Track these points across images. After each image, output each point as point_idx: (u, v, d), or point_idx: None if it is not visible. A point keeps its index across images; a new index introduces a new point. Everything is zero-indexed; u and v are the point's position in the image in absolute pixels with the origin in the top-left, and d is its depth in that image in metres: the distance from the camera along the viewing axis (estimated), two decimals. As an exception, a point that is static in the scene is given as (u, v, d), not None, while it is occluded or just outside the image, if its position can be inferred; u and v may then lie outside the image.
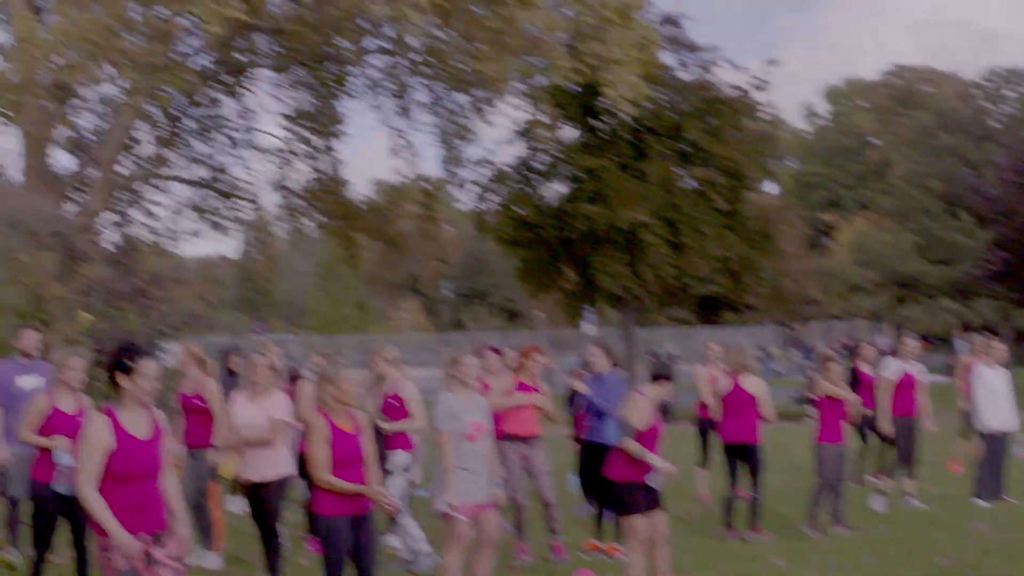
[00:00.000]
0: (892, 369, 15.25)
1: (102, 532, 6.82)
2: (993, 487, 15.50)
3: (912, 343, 15.70)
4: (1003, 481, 15.62)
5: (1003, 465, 15.57)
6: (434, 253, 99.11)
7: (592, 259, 45.78)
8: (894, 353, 15.82)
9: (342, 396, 8.03)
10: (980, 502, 15.38)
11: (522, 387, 11.80)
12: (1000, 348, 15.96)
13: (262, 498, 10.21)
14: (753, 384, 13.16)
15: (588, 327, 67.80)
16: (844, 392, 13.40)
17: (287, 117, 34.31)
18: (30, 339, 12.15)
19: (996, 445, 15.43)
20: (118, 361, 6.91)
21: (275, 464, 10.23)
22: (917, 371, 15.30)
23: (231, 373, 13.91)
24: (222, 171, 34.45)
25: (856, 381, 16.77)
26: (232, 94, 33.05)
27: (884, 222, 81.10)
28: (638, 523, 9.50)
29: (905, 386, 15.13)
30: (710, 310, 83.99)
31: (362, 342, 66.45)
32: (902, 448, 15.23)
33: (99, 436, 6.80)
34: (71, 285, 23.19)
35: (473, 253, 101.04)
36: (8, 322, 21.63)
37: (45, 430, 9.74)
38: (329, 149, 35.37)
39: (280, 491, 10.32)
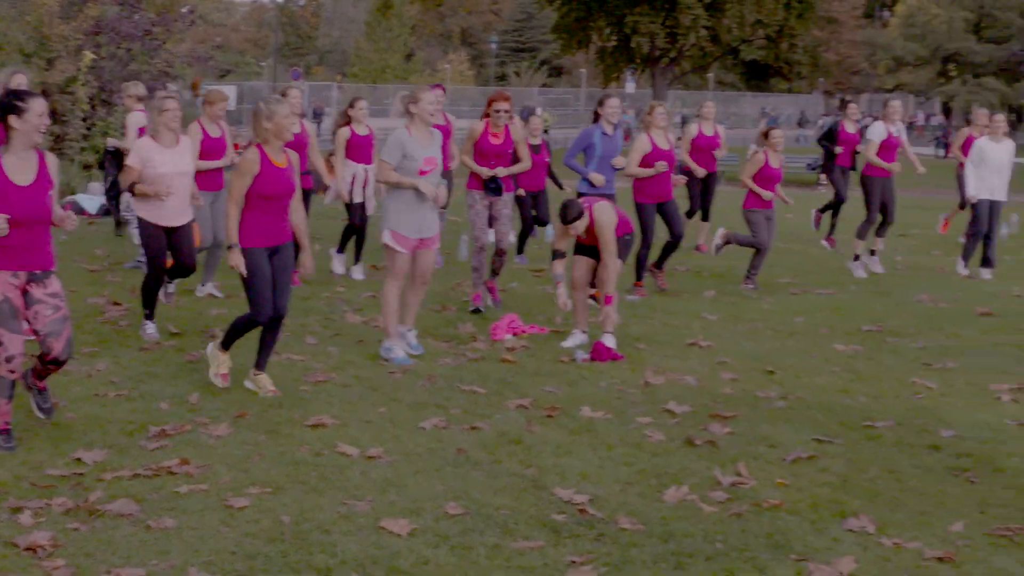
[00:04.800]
0: (876, 131, 15.41)
1: None
2: (982, 259, 15.71)
3: (896, 104, 15.78)
4: (993, 251, 15.82)
5: (993, 236, 15.71)
6: (485, 5, 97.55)
7: (627, 17, 45.25)
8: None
9: (277, 130, 8.22)
10: (962, 269, 15.73)
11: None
12: (1001, 121, 15.95)
13: (181, 240, 10.34)
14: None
15: (629, 86, 67.22)
16: (751, 183, 13.77)
17: None
18: (20, 82, 12.06)
19: (983, 214, 15.50)
20: (7, 103, 6.98)
21: (188, 210, 10.37)
22: (897, 131, 15.47)
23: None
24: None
25: (836, 138, 17.31)
26: None
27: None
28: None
29: (886, 147, 15.28)
30: (758, 77, 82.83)
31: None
32: (869, 209, 15.47)
33: None
34: (76, 23, 23.34)
35: (523, 7, 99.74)
36: (12, 59, 21.91)
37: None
38: None
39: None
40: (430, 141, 9.67)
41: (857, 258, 15.66)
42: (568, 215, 10.15)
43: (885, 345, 11.09)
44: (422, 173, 9.53)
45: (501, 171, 11.55)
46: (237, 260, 8.23)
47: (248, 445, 7.24)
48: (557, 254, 10.49)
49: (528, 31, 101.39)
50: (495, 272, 12.08)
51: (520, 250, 15.67)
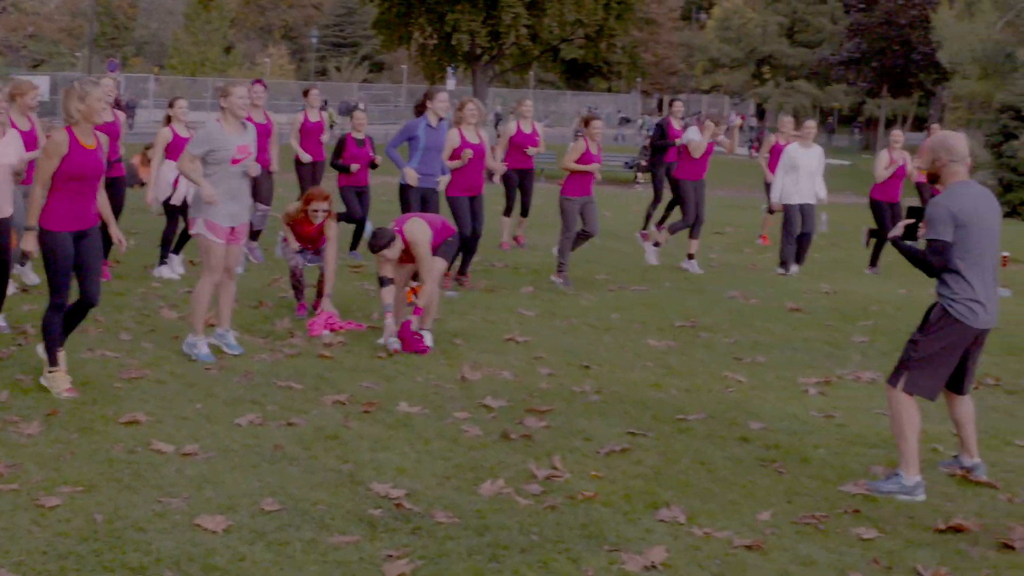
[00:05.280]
0: (694, 132, 15.81)
1: None
2: (795, 256, 16.19)
3: (711, 128, 16.09)
4: (805, 252, 16.33)
5: (808, 237, 16.18)
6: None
7: (448, 15, 45.32)
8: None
9: (88, 113, 8.07)
10: (781, 270, 16.12)
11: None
12: (811, 127, 16.45)
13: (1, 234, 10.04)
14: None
15: (450, 83, 67.39)
16: (574, 165, 13.92)
17: None
18: None
19: (796, 218, 15.93)
20: None
21: (10, 203, 10.10)
22: (713, 141, 15.86)
23: None
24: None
25: (668, 136, 17.79)
26: None
27: (756, 1, 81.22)
28: None
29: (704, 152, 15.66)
30: (578, 76, 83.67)
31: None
32: (686, 210, 15.85)
33: None
34: None
35: (345, 2, 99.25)
36: None
37: None
38: None
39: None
40: (243, 132, 9.61)
41: (657, 244, 16.14)
42: (375, 244, 10.22)
43: (698, 340, 11.35)
44: (235, 162, 9.45)
45: (310, 256, 11.47)
46: (32, 245, 8.06)
47: (60, 443, 7.11)
48: (384, 281, 10.42)
49: (349, 26, 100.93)
50: (319, 294, 11.74)
51: (353, 246, 15.54)
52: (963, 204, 6.77)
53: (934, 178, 7.04)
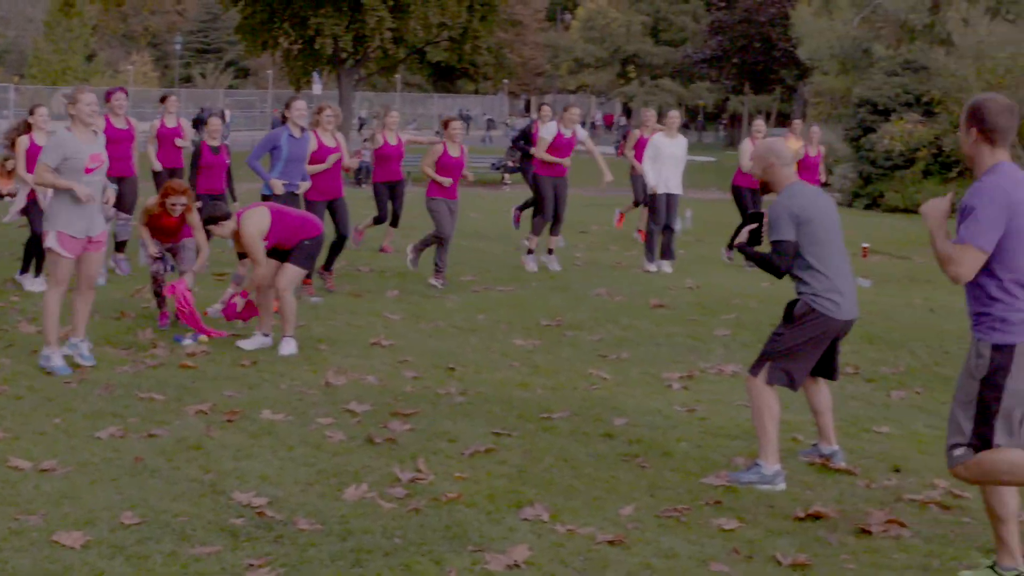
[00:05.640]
0: (548, 130, 15.82)
1: None
2: (662, 251, 16.38)
3: (574, 112, 16.12)
4: (671, 246, 16.52)
5: (673, 230, 16.39)
6: (169, 5, 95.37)
7: (311, 19, 45.07)
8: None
9: None
10: (649, 266, 16.28)
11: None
12: (675, 118, 16.63)
13: None
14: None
15: (316, 88, 67.10)
16: (430, 171, 14.07)
17: None
18: None
19: (662, 208, 16.09)
20: None
21: None
22: (570, 134, 15.84)
23: None
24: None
25: (532, 139, 17.87)
26: None
27: (619, 1, 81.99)
28: None
29: (556, 147, 15.56)
30: (445, 78, 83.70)
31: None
32: (543, 208, 15.85)
33: None
34: None
35: (208, 8, 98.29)
36: None
37: None
38: None
39: None
40: (93, 139, 9.41)
41: (530, 252, 16.11)
42: (205, 216, 10.42)
43: (563, 339, 11.43)
44: (88, 171, 9.24)
45: (169, 259, 11.40)
46: None
47: (-87, 463, 6.96)
48: (240, 255, 10.68)
49: (213, 32, 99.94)
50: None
51: None
52: (802, 201, 6.94)
53: (766, 187, 7.19)
